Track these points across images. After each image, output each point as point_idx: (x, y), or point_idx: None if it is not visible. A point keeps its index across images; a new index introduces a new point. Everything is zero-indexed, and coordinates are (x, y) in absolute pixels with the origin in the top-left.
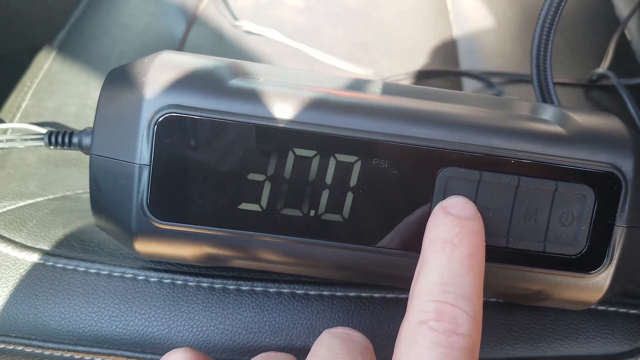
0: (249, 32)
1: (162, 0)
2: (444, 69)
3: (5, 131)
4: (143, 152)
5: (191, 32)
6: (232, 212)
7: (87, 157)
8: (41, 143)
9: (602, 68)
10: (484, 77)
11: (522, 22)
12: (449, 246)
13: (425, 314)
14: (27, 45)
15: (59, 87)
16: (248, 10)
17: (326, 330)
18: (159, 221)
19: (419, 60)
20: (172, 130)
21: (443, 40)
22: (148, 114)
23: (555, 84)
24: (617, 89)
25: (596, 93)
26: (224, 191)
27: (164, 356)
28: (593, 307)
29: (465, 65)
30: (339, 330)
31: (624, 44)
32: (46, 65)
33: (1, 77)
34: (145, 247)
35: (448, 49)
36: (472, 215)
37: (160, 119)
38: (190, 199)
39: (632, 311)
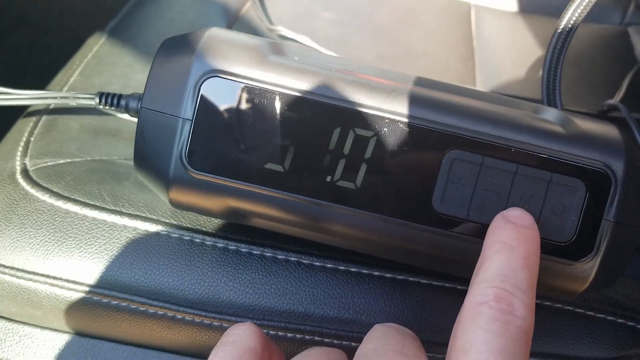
0: (283, 37)
1: (208, 0)
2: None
3: (55, 97)
4: (187, 108)
5: None
6: (258, 169)
7: (125, 129)
8: (92, 102)
9: (614, 100)
10: None
11: (543, 51)
12: (508, 247)
13: (485, 297)
14: (75, 37)
15: (105, 67)
16: (285, 18)
17: (378, 324)
18: (194, 171)
19: (439, 77)
20: (214, 92)
21: (464, 62)
22: (196, 76)
23: (565, 110)
24: (626, 121)
25: None
26: (252, 150)
27: (229, 329)
28: (581, 311)
29: (482, 88)
30: (391, 323)
31: (639, 83)
32: (96, 47)
33: (47, 63)
34: (177, 194)
35: (468, 71)
36: (530, 225)
37: (205, 81)
38: (223, 154)
39: (619, 320)
